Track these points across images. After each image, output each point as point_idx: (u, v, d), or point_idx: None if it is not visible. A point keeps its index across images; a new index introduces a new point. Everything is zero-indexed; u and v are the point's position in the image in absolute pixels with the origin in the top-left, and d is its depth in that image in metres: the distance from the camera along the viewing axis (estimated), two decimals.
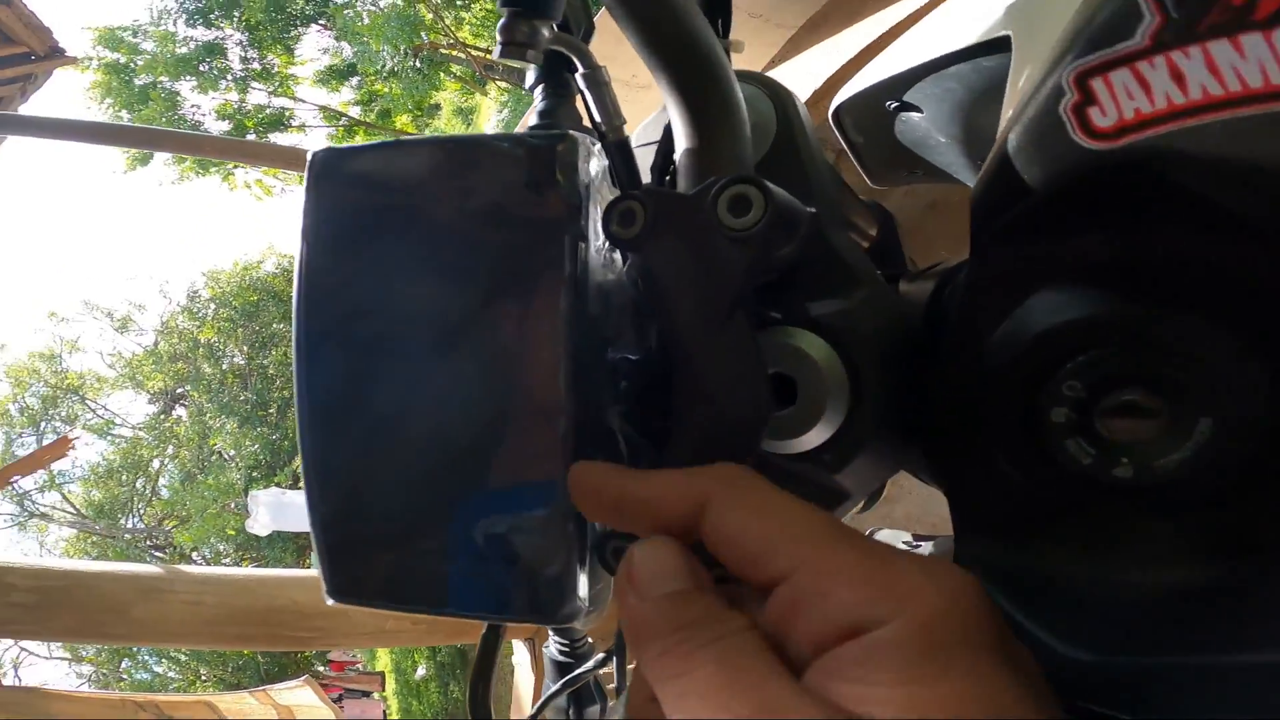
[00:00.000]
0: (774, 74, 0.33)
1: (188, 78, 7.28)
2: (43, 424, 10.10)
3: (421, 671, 7.42)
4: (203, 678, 9.18)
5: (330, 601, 0.27)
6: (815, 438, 0.26)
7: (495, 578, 0.25)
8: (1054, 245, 0.22)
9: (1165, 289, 0.20)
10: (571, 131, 0.24)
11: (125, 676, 9.31)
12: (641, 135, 0.35)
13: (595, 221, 0.24)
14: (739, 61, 0.33)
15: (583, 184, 0.24)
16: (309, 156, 0.26)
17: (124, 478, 10.03)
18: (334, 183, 0.26)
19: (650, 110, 0.37)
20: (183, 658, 9.19)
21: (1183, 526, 0.20)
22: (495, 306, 0.24)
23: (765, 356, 0.25)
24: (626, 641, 0.20)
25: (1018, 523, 0.23)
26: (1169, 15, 0.19)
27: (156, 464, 10.14)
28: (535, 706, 0.34)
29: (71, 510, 10.01)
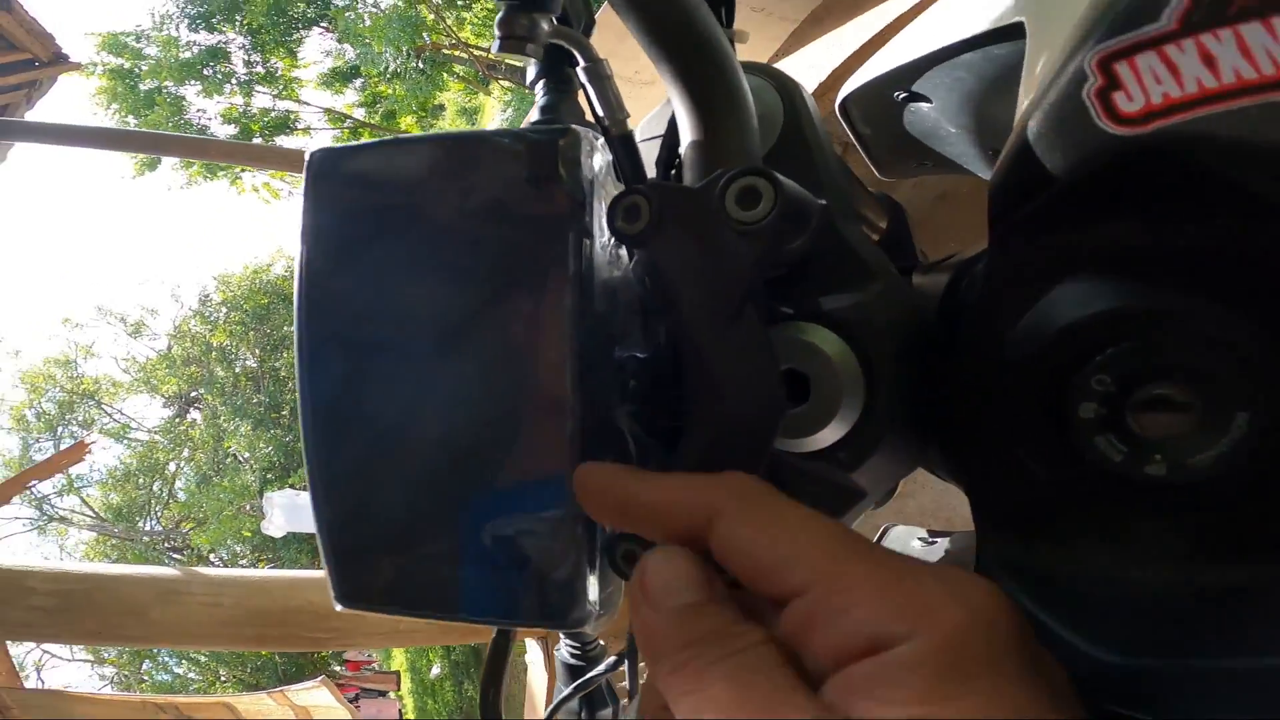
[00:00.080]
0: (777, 68, 0.32)
1: (192, 82, 7.33)
2: (60, 429, 10.24)
3: (436, 670, 7.48)
4: (222, 679, 9.31)
5: (339, 607, 0.27)
6: (830, 435, 0.25)
7: (504, 582, 0.24)
8: (1079, 234, 0.21)
9: (1199, 279, 0.19)
10: (574, 126, 0.24)
11: (146, 678, 9.44)
12: (646, 130, 0.34)
13: (599, 217, 0.24)
14: (743, 53, 0.32)
15: (586, 179, 0.23)
16: (307, 157, 0.26)
17: (141, 481, 10.16)
18: (333, 183, 0.25)
19: (654, 106, 0.36)
20: (202, 659, 9.31)
21: (1217, 525, 0.20)
22: (499, 306, 0.23)
23: (777, 353, 0.25)
24: (640, 653, 0.19)
25: (1043, 521, 0.22)
26: None
27: (172, 467, 10.27)
28: (547, 710, 0.33)
29: (91, 514, 10.15)
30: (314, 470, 0.26)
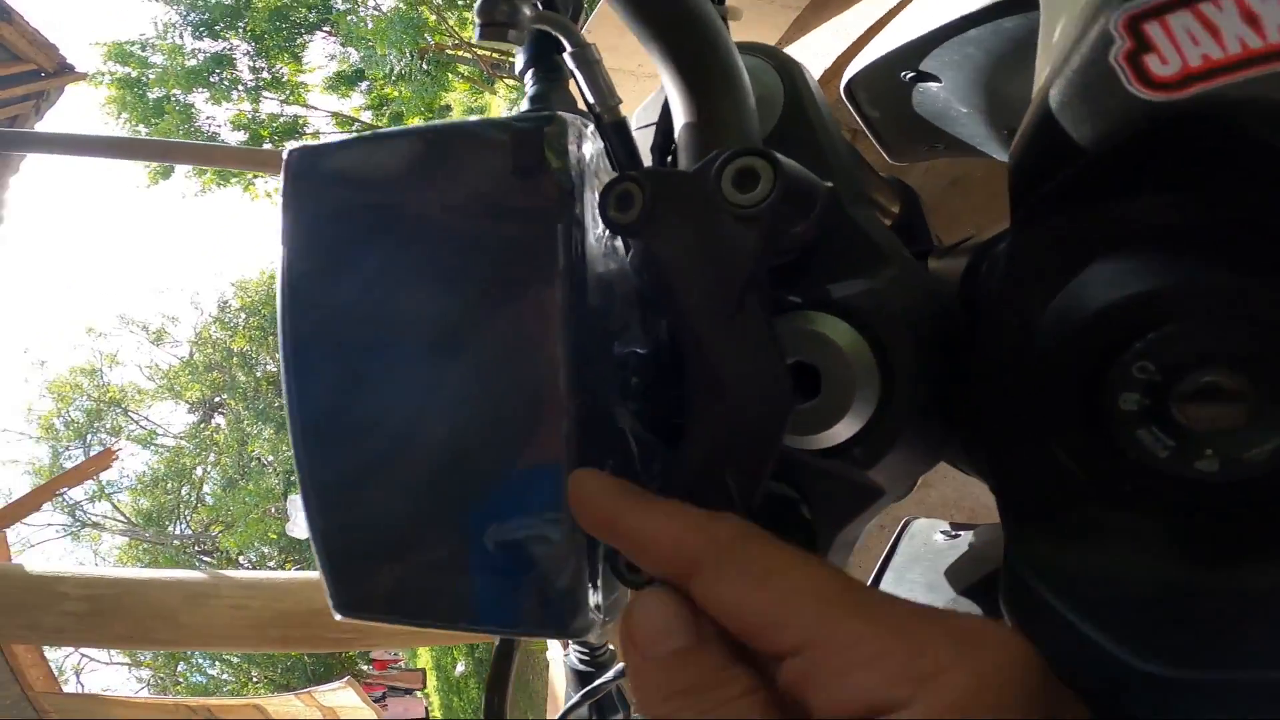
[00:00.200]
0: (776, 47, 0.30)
1: (200, 90, 7.41)
2: (89, 436, 10.48)
3: (461, 668, 7.58)
4: (254, 679, 9.51)
5: (339, 617, 0.26)
6: (844, 431, 0.24)
7: (504, 590, 0.23)
8: (1112, 209, 0.19)
9: (1249, 255, 0.17)
10: (560, 113, 0.23)
11: (181, 680, 9.66)
12: (641, 118, 0.33)
13: (592, 208, 0.23)
14: (741, 33, 0.31)
15: (575, 168, 0.22)
16: (284, 155, 0.25)
17: (169, 486, 10.38)
18: (312, 182, 0.24)
19: None
20: (235, 660, 9.52)
21: (1271, 526, 0.18)
22: (488, 304, 0.22)
23: (784, 344, 0.23)
24: (632, 698, 0.18)
25: (1077, 520, 0.20)
26: None
27: (199, 472, 10.47)
28: (557, 717, 0.33)
29: (122, 519, 10.39)
30: (305, 479, 0.25)
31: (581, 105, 0.29)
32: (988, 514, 0.25)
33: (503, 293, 0.22)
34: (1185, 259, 0.18)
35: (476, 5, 0.25)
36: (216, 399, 10.50)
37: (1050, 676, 0.15)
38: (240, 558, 9.55)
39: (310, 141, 0.25)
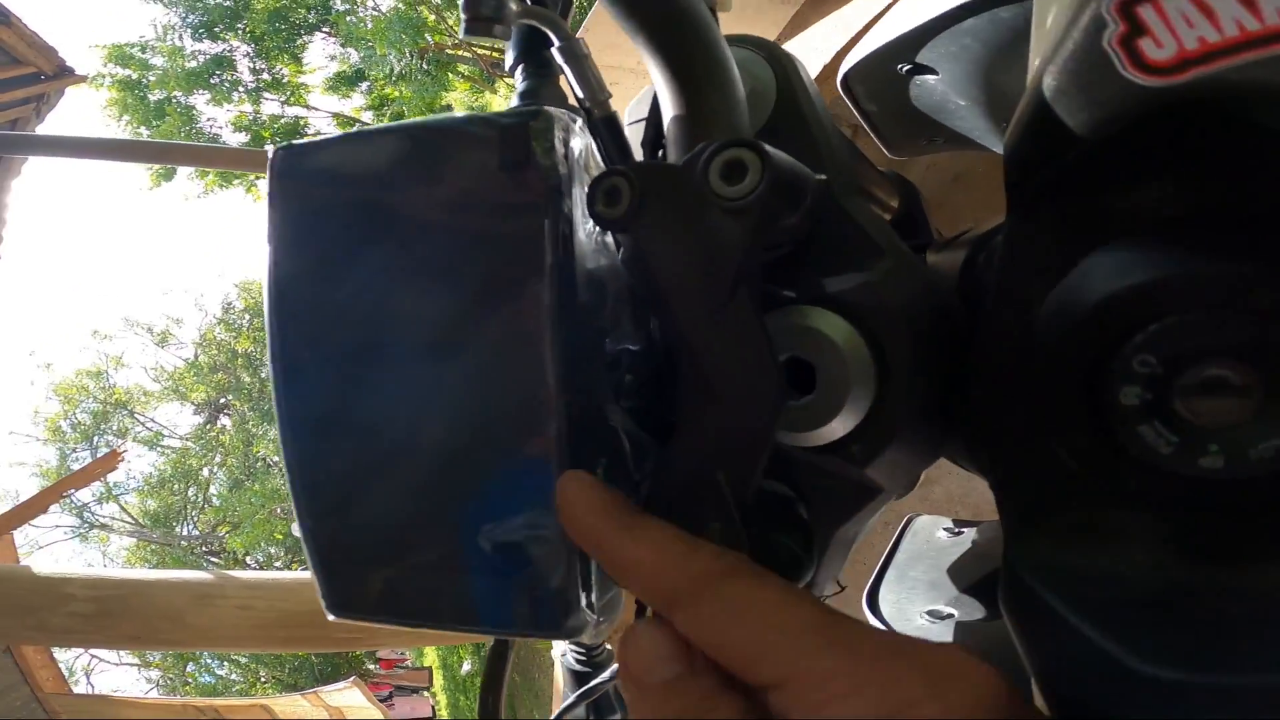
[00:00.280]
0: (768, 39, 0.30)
1: (200, 91, 7.41)
2: (95, 438, 10.53)
3: (467, 667, 7.60)
4: (262, 679, 9.55)
5: (331, 617, 0.26)
6: (840, 427, 0.23)
7: (495, 591, 0.23)
8: (1110, 198, 0.19)
9: (1253, 243, 0.17)
10: (547, 108, 0.22)
11: (190, 680, 9.72)
12: (633, 113, 0.33)
13: (582, 203, 0.22)
14: (739, 28, 0.30)
15: (562, 162, 0.22)
16: (269, 154, 0.24)
17: (176, 487, 10.43)
18: (297, 181, 0.24)
19: None
20: (243, 660, 9.57)
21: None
22: (476, 301, 0.22)
23: (777, 340, 0.23)
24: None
25: (1081, 521, 0.20)
26: None
27: (206, 473, 10.52)
28: (553, 717, 0.32)
29: (130, 520, 10.45)
30: (294, 480, 0.25)
31: (573, 101, 0.29)
32: (992, 511, 0.24)
33: (491, 290, 0.22)
34: (1187, 248, 0.18)
35: (462, 0, 0.24)
36: (222, 400, 10.54)
37: (1023, 708, 0.16)
38: (247, 558, 9.59)
39: (296, 141, 0.25)
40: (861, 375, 0.23)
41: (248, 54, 7.58)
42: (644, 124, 0.30)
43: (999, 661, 0.21)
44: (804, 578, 0.24)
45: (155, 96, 7.31)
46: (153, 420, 11.02)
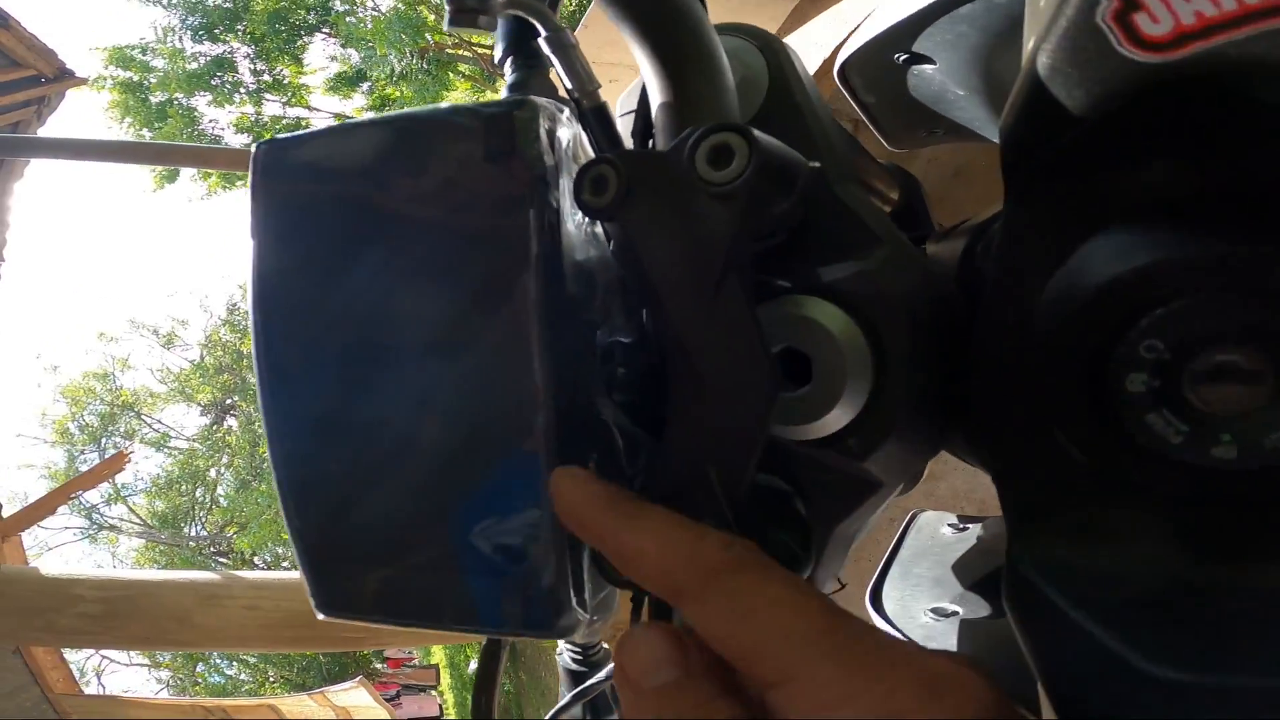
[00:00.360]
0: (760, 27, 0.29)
1: (202, 93, 7.43)
2: (103, 440, 10.59)
3: (474, 665, 7.61)
4: (271, 679, 9.61)
5: (321, 617, 0.26)
6: (837, 420, 0.23)
7: (486, 590, 0.23)
8: (1111, 179, 0.18)
9: (1261, 223, 0.16)
10: (534, 97, 0.22)
11: (200, 680, 9.78)
12: (624, 105, 0.32)
13: (571, 194, 0.22)
14: (732, 19, 0.30)
15: (548, 152, 0.21)
16: (252, 150, 0.24)
17: (184, 488, 10.49)
18: (281, 177, 0.24)
19: None
20: (252, 660, 9.62)
21: None
22: (462, 294, 0.22)
23: (771, 331, 0.22)
24: None
25: (1086, 516, 0.19)
26: None
27: (213, 473, 10.57)
28: (548, 716, 0.32)
29: (138, 521, 10.51)
30: (281, 479, 0.24)
31: (564, 93, 0.28)
32: (997, 506, 0.24)
33: (477, 283, 0.21)
34: (1191, 229, 0.17)
35: None
36: (228, 401, 10.58)
37: (1014, 715, 0.16)
38: (254, 558, 9.63)
39: (279, 135, 0.24)
40: (858, 366, 0.22)
41: (248, 55, 7.59)
42: (634, 116, 0.29)
43: (1003, 660, 0.21)
44: (802, 576, 0.24)
45: (157, 99, 7.33)
46: (160, 422, 11.09)
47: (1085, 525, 0.19)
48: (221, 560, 9.96)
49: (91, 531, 10.40)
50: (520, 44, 0.28)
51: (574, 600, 0.22)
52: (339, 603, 0.25)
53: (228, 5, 7.23)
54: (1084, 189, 0.19)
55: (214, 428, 10.75)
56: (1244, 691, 0.15)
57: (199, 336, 11.14)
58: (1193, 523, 0.18)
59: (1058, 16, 0.18)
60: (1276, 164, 0.16)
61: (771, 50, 0.28)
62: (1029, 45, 0.20)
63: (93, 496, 9.93)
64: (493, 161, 0.21)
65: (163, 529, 10.33)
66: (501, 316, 0.21)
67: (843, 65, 0.53)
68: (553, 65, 0.28)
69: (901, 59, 0.50)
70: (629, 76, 0.29)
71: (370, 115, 0.25)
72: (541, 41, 0.26)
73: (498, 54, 0.30)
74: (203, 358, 10.87)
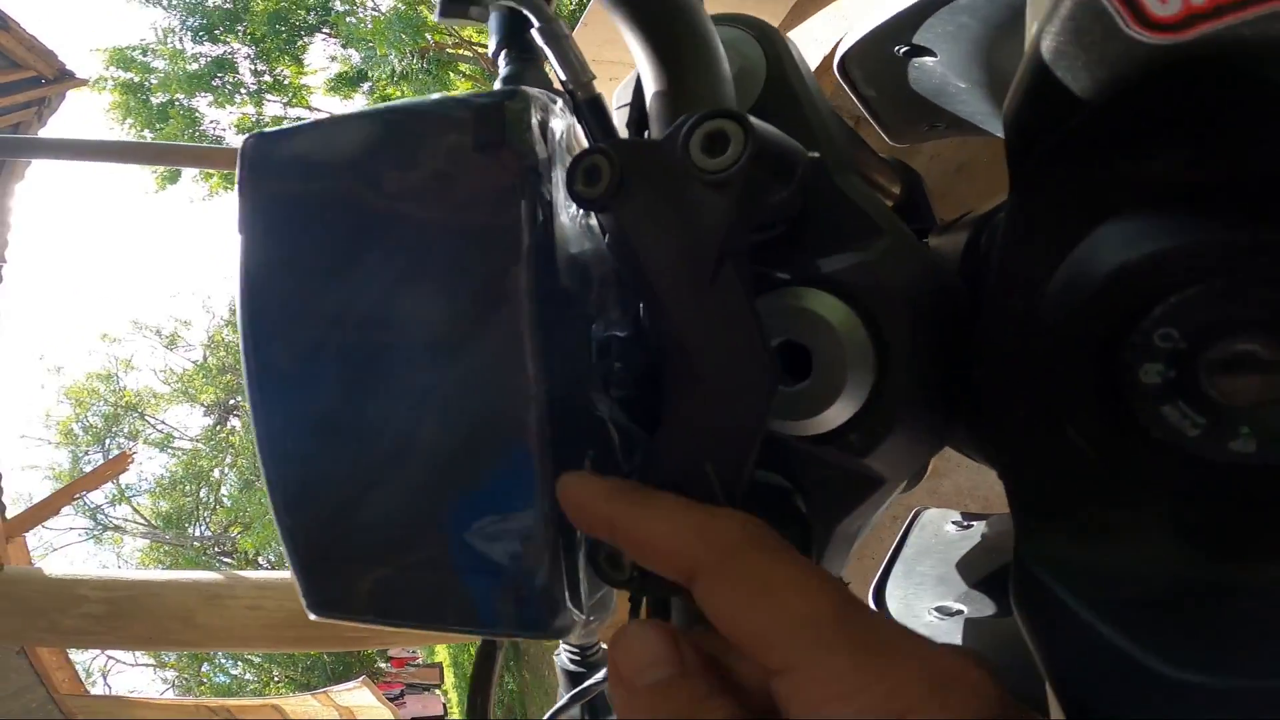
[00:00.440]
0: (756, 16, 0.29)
1: (203, 94, 7.44)
2: (107, 441, 10.63)
3: None
4: (275, 679, 9.63)
5: (313, 616, 0.25)
6: (837, 415, 0.22)
7: (479, 590, 0.22)
8: (1121, 165, 0.18)
9: (1277, 208, 0.16)
10: (526, 88, 0.21)
11: (205, 680, 9.81)
12: (619, 98, 0.32)
13: (564, 186, 0.21)
14: (727, 9, 0.29)
15: (539, 143, 0.21)
16: (240, 144, 0.23)
17: (188, 488, 10.52)
18: (269, 171, 0.23)
19: None
20: (256, 660, 9.65)
21: None
22: (453, 288, 0.21)
23: (770, 323, 0.22)
24: None
25: (1096, 511, 0.19)
26: None
27: (217, 474, 10.60)
28: (546, 716, 0.32)
29: (142, 521, 10.55)
30: (271, 478, 0.24)
31: (558, 85, 0.28)
32: (1002, 503, 0.23)
33: (468, 276, 0.21)
34: (1205, 214, 0.16)
35: None
36: (231, 401, 10.61)
37: (1016, 711, 0.15)
38: (258, 557, 9.66)
39: (266, 129, 0.24)
40: (859, 359, 0.22)
41: (248, 56, 7.60)
42: (629, 108, 0.29)
43: (1009, 660, 0.20)
44: None
45: (158, 100, 7.34)
46: (163, 422, 11.13)
47: (1095, 522, 0.18)
48: (226, 560, 9.99)
49: (96, 532, 10.43)
50: (514, 37, 0.28)
51: (569, 600, 0.22)
52: (331, 603, 0.25)
53: (227, 6, 7.24)
54: (1092, 175, 0.18)
55: (217, 428, 10.78)
56: (1261, 693, 0.15)
57: (201, 337, 11.18)
58: (1206, 520, 0.17)
59: None
60: None
61: (769, 40, 0.27)
62: (1032, 29, 0.20)
63: (98, 497, 9.98)
64: (483, 152, 0.21)
65: (167, 529, 10.36)
66: (493, 310, 0.20)
67: (842, 58, 0.52)
68: (547, 58, 0.27)
69: (902, 51, 0.49)
70: (629, 74, 0.29)
71: (360, 108, 0.24)
72: (534, 33, 0.26)
73: (491, 47, 0.29)
74: (205, 358, 10.90)
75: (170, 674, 10.01)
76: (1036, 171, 0.19)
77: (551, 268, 0.21)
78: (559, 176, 0.21)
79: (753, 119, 0.18)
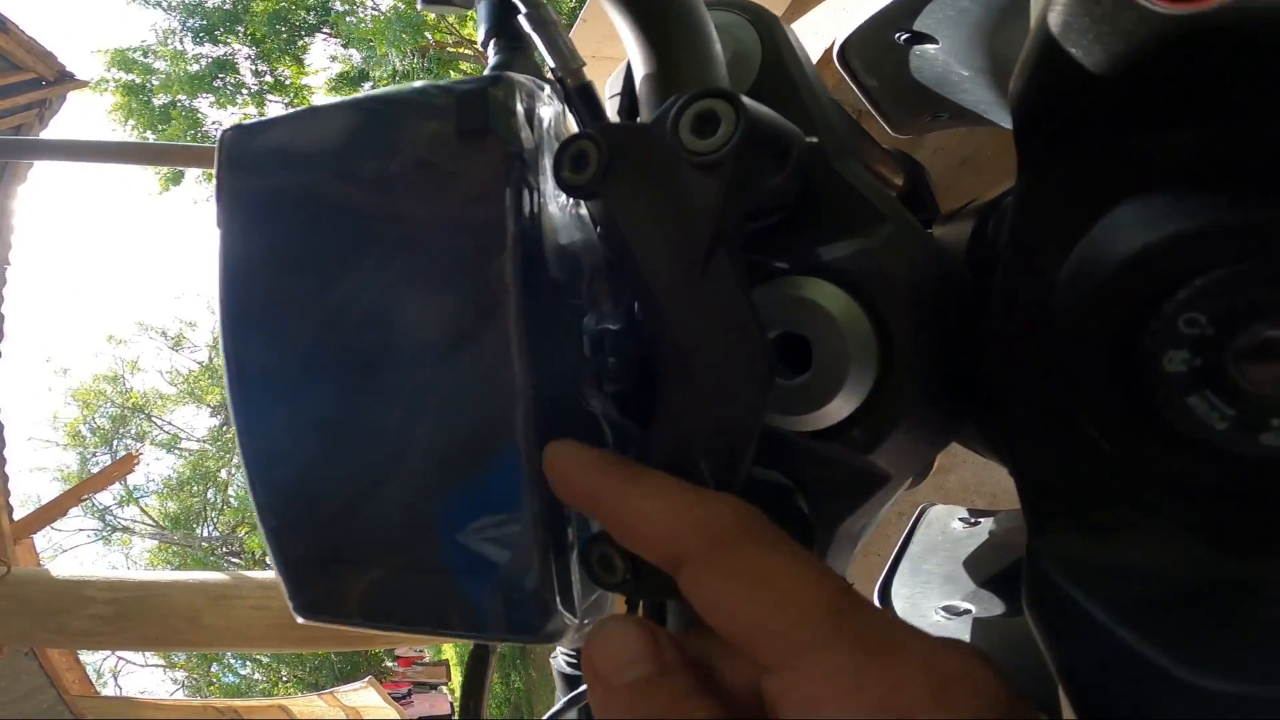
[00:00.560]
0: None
1: (204, 95, 7.46)
2: (115, 442, 10.69)
3: None
4: (284, 678, 9.69)
5: (300, 620, 0.24)
6: (840, 410, 0.22)
7: (468, 593, 0.22)
8: (1137, 144, 0.17)
9: None
10: (511, 74, 0.20)
11: (214, 681, 9.87)
12: (611, 88, 0.31)
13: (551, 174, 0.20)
14: None
15: (524, 129, 0.20)
16: (218, 136, 0.23)
17: (195, 489, 10.57)
18: (247, 163, 0.23)
19: None
20: (264, 660, 9.70)
21: None
22: (436, 282, 0.20)
23: (767, 314, 0.21)
24: None
25: (1113, 509, 0.18)
26: None
27: (224, 474, 10.64)
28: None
29: (150, 522, 10.61)
30: (254, 480, 0.23)
31: (549, 74, 0.27)
32: (1010, 499, 0.22)
33: (452, 267, 0.20)
34: (1228, 194, 0.15)
35: None
36: None
37: (1021, 710, 0.15)
38: (266, 558, 9.70)
39: (244, 121, 0.23)
40: (862, 350, 0.21)
41: (249, 57, 7.62)
42: (620, 96, 0.28)
43: (1020, 661, 0.19)
44: None
45: (159, 101, 7.37)
46: (170, 423, 11.18)
47: (1112, 520, 0.17)
48: (234, 560, 10.04)
49: (105, 534, 10.50)
50: (502, 24, 0.27)
51: (560, 604, 0.21)
52: (317, 605, 0.24)
53: (227, 7, 7.25)
54: (1106, 154, 0.17)
55: (224, 429, 10.82)
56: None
57: (207, 338, 11.21)
58: (1226, 516, 0.16)
59: None
60: None
61: (765, 25, 0.26)
62: (1037, 5, 0.19)
63: (106, 499, 10.03)
64: (466, 139, 0.20)
65: (175, 530, 10.42)
66: (478, 304, 0.20)
67: (842, 46, 0.51)
68: (536, 46, 0.26)
69: (903, 38, 0.48)
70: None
71: (339, 97, 0.23)
72: (522, 19, 0.25)
73: (480, 36, 0.29)
74: (211, 359, 10.94)
75: (180, 674, 10.08)
76: (1046, 152, 0.18)
77: (540, 259, 0.20)
78: (547, 165, 0.21)
79: (745, 98, 0.17)
